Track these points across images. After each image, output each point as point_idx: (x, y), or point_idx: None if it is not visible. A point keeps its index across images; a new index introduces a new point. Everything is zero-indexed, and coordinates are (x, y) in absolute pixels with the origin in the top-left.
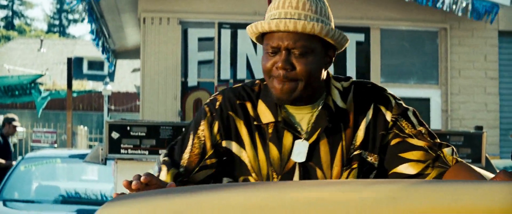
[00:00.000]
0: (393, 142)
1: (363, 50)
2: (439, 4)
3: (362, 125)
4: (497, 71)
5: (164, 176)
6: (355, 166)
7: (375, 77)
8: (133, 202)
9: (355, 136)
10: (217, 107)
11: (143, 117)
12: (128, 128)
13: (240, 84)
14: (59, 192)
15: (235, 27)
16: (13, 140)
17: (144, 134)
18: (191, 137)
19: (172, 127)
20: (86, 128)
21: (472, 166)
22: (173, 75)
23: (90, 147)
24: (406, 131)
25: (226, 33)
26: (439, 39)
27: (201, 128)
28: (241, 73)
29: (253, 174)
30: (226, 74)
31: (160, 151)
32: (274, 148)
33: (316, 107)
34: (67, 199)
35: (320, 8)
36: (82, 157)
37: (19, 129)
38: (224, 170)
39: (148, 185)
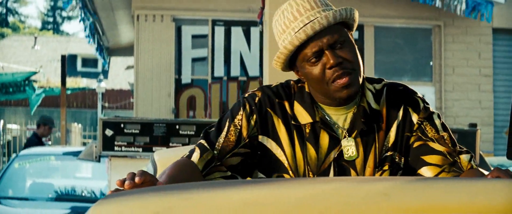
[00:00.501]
0: (415, 144)
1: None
2: (433, 2)
3: (394, 126)
4: (491, 68)
5: (196, 158)
6: (386, 167)
7: (369, 74)
8: (126, 199)
9: (388, 137)
10: (256, 101)
11: (137, 114)
12: (122, 125)
13: (276, 83)
14: (53, 189)
15: (229, 25)
16: (6, 137)
17: (137, 131)
18: (227, 124)
19: (166, 124)
20: (80, 125)
21: (483, 171)
22: (167, 73)
23: (84, 144)
24: (429, 135)
25: (219, 31)
26: (433, 37)
27: (239, 117)
28: (235, 71)
29: (290, 172)
30: (219, 71)
31: (153, 148)
32: (311, 147)
33: (352, 108)
34: (61, 197)
35: (325, 0)
36: (76, 154)
37: (13, 126)
38: (257, 164)
39: (143, 184)
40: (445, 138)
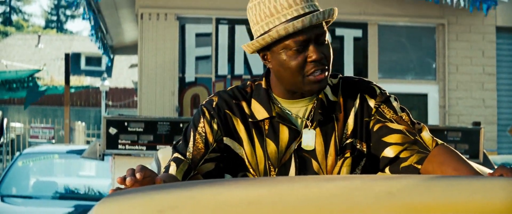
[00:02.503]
0: (375, 128)
1: (360, 46)
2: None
3: (351, 114)
4: (494, 67)
5: (174, 171)
6: (348, 154)
7: (373, 73)
8: (130, 198)
9: (346, 125)
10: (214, 105)
11: (141, 113)
12: (126, 124)
13: (232, 86)
14: (56, 187)
15: (233, 23)
16: (10, 136)
17: (141, 130)
18: (192, 134)
19: (170, 123)
20: (83, 123)
21: (452, 148)
22: (171, 71)
23: (88, 142)
24: (387, 116)
25: (223, 29)
26: (437, 35)
27: (201, 125)
28: (239, 69)
29: (251, 170)
30: (223, 70)
31: (157, 147)
32: (271, 142)
33: (310, 101)
34: (64, 195)
35: None
36: (79, 152)
37: (16, 124)
38: (225, 166)
39: (144, 179)
40: (403, 117)
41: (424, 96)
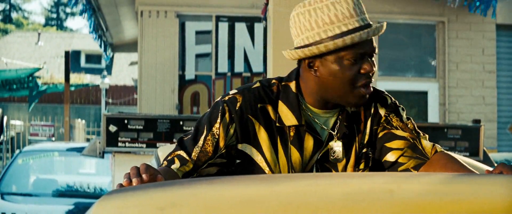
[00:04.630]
0: (380, 134)
1: None
2: None
3: (368, 124)
4: (494, 64)
5: (176, 169)
6: (362, 165)
7: None
8: (131, 195)
9: (364, 136)
10: (237, 108)
11: (141, 110)
12: (126, 121)
13: (256, 84)
14: (56, 185)
15: (233, 21)
16: (10, 133)
17: (141, 127)
18: (205, 133)
19: (170, 120)
20: (83, 121)
21: (455, 155)
22: (171, 69)
23: (88, 140)
24: (394, 124)
25: (223, 27)
26: (437, 33)
27: (216, 126)
28: (239, 67)
29: None
30: (223, 67)
31: (157, 144)
32: (296, 150)
33: (336, 111)
34: (64, 193)
35: (361, 7)
36: (79, 150)
37: (16, 122)
38: (235, 171)
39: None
40: (408, 125)
41: (424, 94)
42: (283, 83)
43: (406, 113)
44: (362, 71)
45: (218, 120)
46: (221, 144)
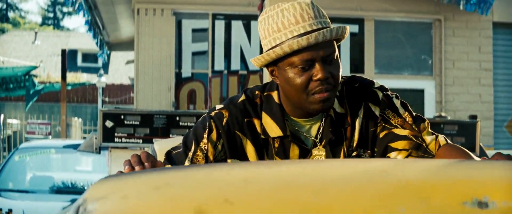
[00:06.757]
0: (381, 135)
1: (357, 41)
2: None
3: (357, 125)
4: (491, 62)
5: None
6: None
7: (369, 68)
8: (127, 176)
9: (353, 138)
10: (224, 123)
11: (137, 108)
12: (122, 117)
13: (242, 97)
14: (53, 182)
15: (229, 18)
16: (6, 132)
17: (138, 123)
18: (193, 147)
19: (166, 116)
20: (80, 119)
21: (460, 146)
22: (167, 67)
23: (85, 138)
24: (393, 122)
25: (220, 24)
26: (433, 31)
27: (204, 141)
28: (235, 64)
29: None
30: (220, 65)
31: (154, 140)
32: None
33: (320, 118)
34: (61, 189)
35: (323, 11)
36: (76, 147)
37: (13, 121)
38: None
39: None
40: (407, 119)
41: (421, 92)
42: (265, 93)
43: (397, 98)
44: (313, 77)
45: (205, 136)
46: (211, 157)
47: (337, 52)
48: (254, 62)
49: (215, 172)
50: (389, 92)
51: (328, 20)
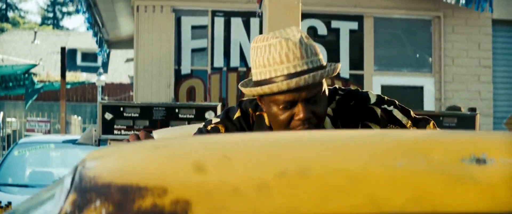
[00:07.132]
0: None
1: (356, 38)
2: None
3: None
4: (490, 59)
5: None
6: None
7: (369, 66)
8: (127, 143)
9: None
10: None
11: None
12: (122, 109)
13: (237, 113)
14: (52, 177)
15: (229, 15)
16: (6, 131)
17: (137, 115)
18: None
19: (165, 108)
20: (79, 117)
21: None
22: (167, 63)
23: None
24: None
25: (219, 21)
26: (433, 28)
27: None
28: (235, 61)
29: None
30: (219, 62)
31: (153, 132)
32: None
33: None
34: None
35: (314, 47)
36: (75, 142)
37: (12, 119)
38: None
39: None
40: (408, 127)
41: (420, 88)
42: (257, 113)
43: (395, 105)
44: (295, 117)
45: None
46: None
47: (324, 87)
48: (242, 89)
49: (214, 136)
50: (386, 106)
51: (319, 56)
